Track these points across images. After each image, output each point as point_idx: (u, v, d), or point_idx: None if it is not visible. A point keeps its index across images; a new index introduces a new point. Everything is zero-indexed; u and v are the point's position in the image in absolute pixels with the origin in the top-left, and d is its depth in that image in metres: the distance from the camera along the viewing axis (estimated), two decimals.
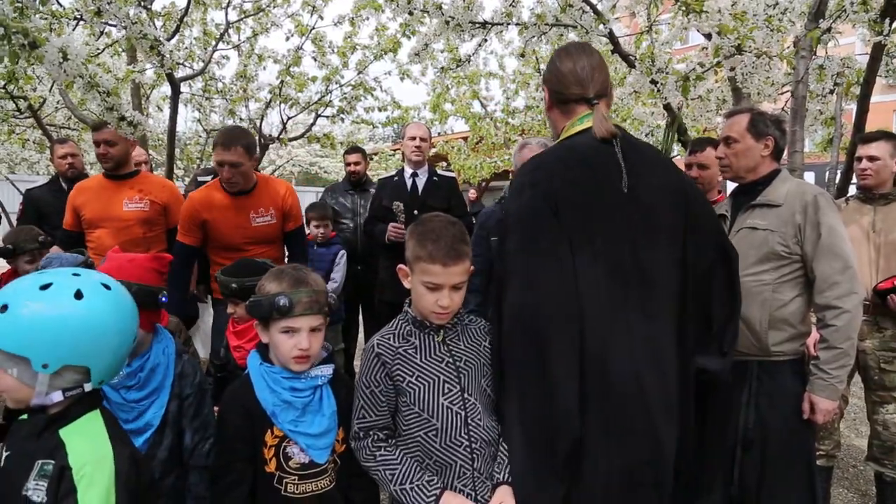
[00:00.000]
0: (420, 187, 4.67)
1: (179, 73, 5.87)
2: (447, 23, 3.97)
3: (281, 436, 1.84)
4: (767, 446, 2.50)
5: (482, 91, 10.73)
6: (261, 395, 1.85)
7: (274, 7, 6.44)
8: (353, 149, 5.72)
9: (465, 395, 1.88)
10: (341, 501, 1.93)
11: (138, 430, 1.99)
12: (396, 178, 4.75)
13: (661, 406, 1.85)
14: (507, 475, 1.86)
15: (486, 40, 4.87)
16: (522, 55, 7.10)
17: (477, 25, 4.04)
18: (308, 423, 1.86)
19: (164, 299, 2.09)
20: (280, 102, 6.73)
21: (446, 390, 1.87)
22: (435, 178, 4.75)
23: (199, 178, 4.94)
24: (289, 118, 6.97)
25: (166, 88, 6.78)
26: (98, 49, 6.32)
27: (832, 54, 4.82)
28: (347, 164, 5.58)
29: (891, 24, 3.78)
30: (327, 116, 7.21)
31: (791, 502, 2.50)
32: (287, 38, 6.63)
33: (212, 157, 6.35)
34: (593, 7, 3.67)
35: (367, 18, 6.80)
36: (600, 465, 1.81)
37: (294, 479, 1.84)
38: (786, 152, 4.56)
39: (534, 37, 4.35)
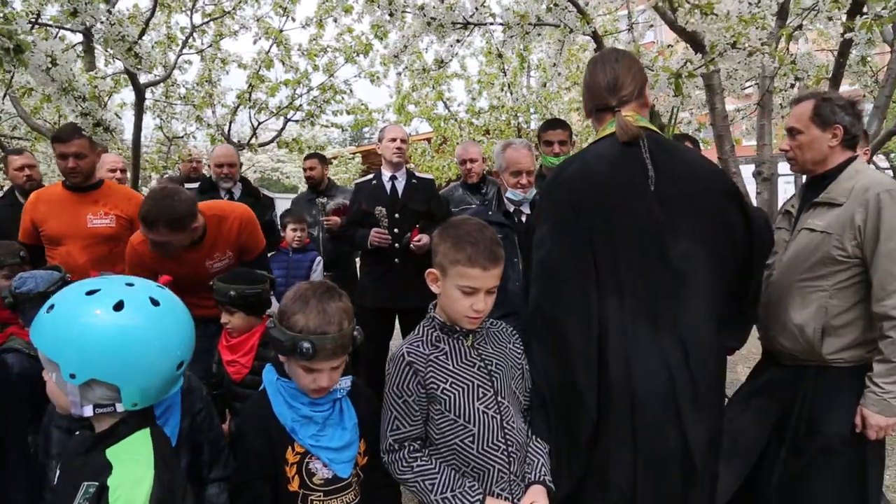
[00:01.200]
0: (400, 190, 4.61)
1: (143, 79, 5.69)
2: (429, 24, 3.92)
3: (302, 452, 1.77)
4: (816, 456, 2.33)
5: (446, 92, 10.71)
6: (279, 411, 1.78)
7: (239, 10, 6.28)
8: (310, 155, 5.70)
9: (499, 399, 1.88)
10: None
11: None
12: (374, 181, 4.67)
13: (687, 400, 1.86)
14: (539, 474, 1.89)
15: (459, 41, 4.85)
16: (500, 55, 7.10)
17: (458, 26, 4.01)
18: (329, 437, 1.80)
19: None
20: (249, 107, 6.57)
21: (481, 395, 1.85)
22: (414, 180, 4.70)
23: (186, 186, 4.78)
24: (259, 123, 6.83)
25: (124, 95, 6.56)
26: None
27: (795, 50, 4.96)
28: (304, 170, 5.56)
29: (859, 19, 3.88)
30: (296, 120, 7.09)
31: None
32: (255, 42, 6.49)
33: (177, 165, 6.13)
34: (578, 7, 3.67)
35: (335, 20, 6.71)
36: (624, 460, 1.86)
37: (319, 496, 1.77)
38: (755, 145, 4.65)
39: (513, 36, 4.34)
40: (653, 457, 1.86)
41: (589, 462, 1.91)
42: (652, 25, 7.37)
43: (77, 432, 1.48)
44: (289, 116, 7.01)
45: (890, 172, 7.46)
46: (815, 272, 2.32)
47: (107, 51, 3.96)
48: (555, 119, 4.14)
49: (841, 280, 2.29)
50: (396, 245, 4.42)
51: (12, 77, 5.14)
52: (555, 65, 5.65)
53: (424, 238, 4.39)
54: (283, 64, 6.61)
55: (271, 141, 7.43)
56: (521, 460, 1.90)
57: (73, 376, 1.30)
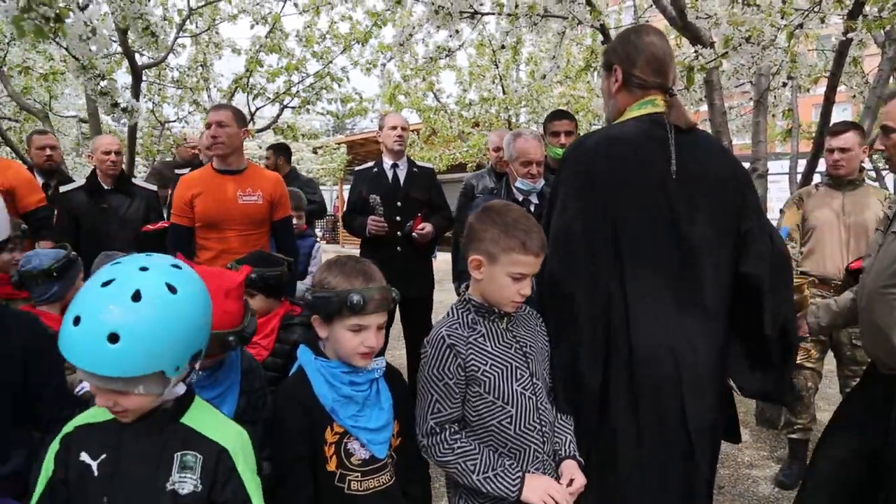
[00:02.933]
0: (402, 178, 4.62)
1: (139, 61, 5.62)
2: (436, 12, 3.93)
3: (341, 432, 1.77)
4: None
5: (436, 84, 10.70)
6: (319, 392, 1.77)
7: None
8: (270, 146, 5.86)
9: (534, 380, 1.93)
10: (400, 496, 1.89)
11: None
12: (375, 168, 4.68)
13: (691, 379, 1.94)
14: (570, 450, 1.96)
15: (458, 31, 4.87)
16: (503, 46, 7.11)
17: (465, 15, 4.02)
18: (367, 418, 1.80)
19: (233, 341, 1.85)
20: (246, 93, 6.52)
21: (518, 376, 1.90)
22: (415, 168, 4.73)
23: (177, 171, 4.75)
24: (257, 109, 6.78)
25: (119, 78, 6.48)
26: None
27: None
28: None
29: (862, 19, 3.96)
30: (293, 107, 7.05)
31: None
32: (252, 27, 6.43)
33: (171, 150, 6.07)
34: None
35: (332, 7, 6.68)
36: (630, 439, 1.94)
37: (357, 476, 1.78)
38: (748, 143, 4.72)
39: (520, 27, 4.37)
40: (657, 438, 1.95)
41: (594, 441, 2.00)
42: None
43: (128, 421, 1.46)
44: (285, 103, 6.97)
45: (872, 174, 7.63)
46: None
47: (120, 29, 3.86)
48: (561, 110, 4.17)
49: None
50: (399, 233, 4.44)
51: (5, 55, 5.04)
52: (554, 57, 5.69)
53: (428, 226, 4.41)
54: (280, 50, 6.55)
55: (267, 127, 7.38)
56: (552, 439, 1.96)
57: (177, 368, 1.33)
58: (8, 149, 6.29)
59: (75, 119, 8.49)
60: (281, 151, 5.78)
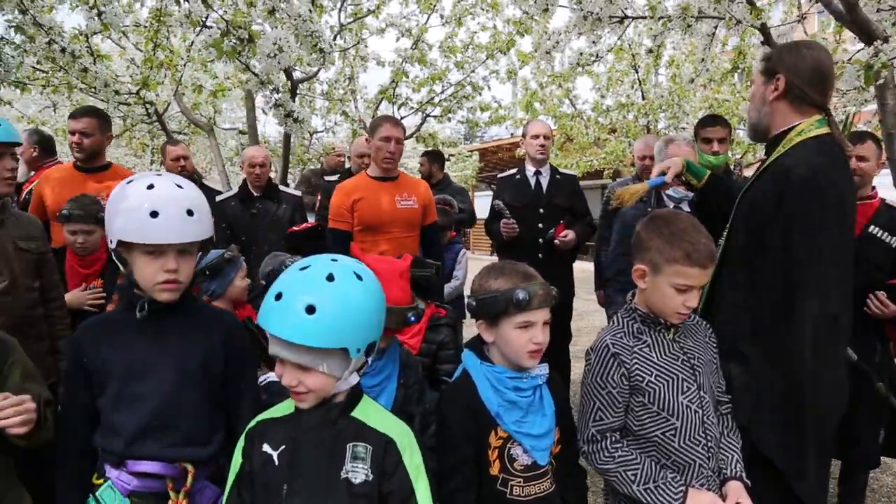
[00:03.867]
0: (544, 186, 4.61)
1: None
2: (585, 17, 3.89)
3: (505, 437, 1.79)
4: None
5: (572, 90, 10.58)
6: (484, 395, 1.80)
7: (384, 8, 6.50)
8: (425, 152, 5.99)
9: (702, 394, 1.88)
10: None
11: None
12: (518, 176, 4.70)
13: None
14: (736, 470, 1.89)
15: (600, 37, 4.79)
16: (650, 51, 6.95)
17: (615, 20, 3.95)
18: (530, 424, 1.81)
19: (413, 319, 2.09)
20: (392, 103, 6.79)
21: (685, 389, 1.85)
22: (557, 176, 4.70)
23: (327, 179, 5.01)
24: (402, 118, 7.04)
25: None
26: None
27: None
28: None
29: None
30: (435, 116, 7.25)
31: None
32: (397, 39, 6.69)
33: (320, 158, 6.35)
34: None
35: (474, 17, 6.81)
36: None
37: (519, 482, 1.79)
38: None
39: (668, 31, 4.24)
40: None
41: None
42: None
43: (295, 413, 1.57)
44: (427, 112, 7.18)
45: None
46: None
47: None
48: (714, 115, 3.99)
49: None
50: (541, 240, 4.43)
51: (181, 77, 5.55)
52: (703, 60, 5.46)
53: (571, 234, 4.37)
54: (425, 61, 6.75)
55: (410, 136, 7.62)
56: (716, 456, 1.89)
57: (359, 350, 1.44)
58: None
59: (234, 131, 9.18)
60: (435, 159, 5.91)
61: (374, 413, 1.56)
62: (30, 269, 2.63)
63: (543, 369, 1.86)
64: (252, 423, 1.63)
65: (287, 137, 5.77)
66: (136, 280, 1.72)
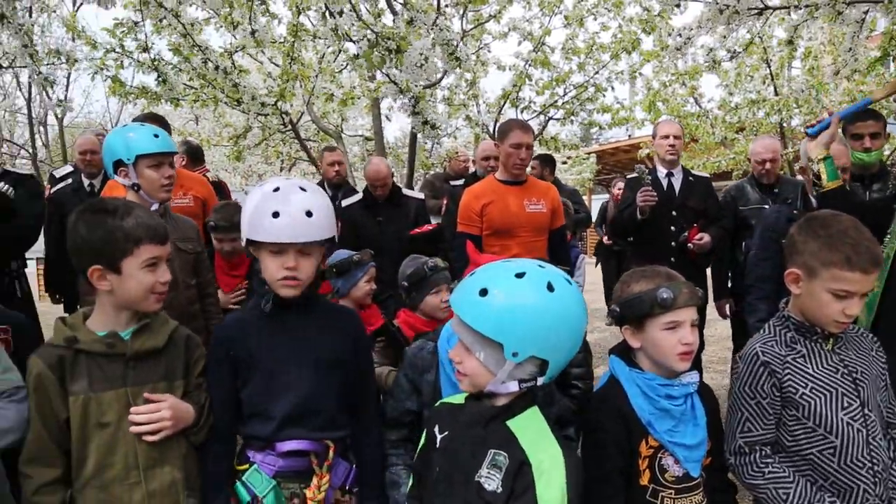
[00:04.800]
0: (677, 187, 4.45)
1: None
2: (721, 11, 3.73)
3: (656, 446, 1.74)
4: None
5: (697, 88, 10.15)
6: (636, 403, 1.75)
7: (505, 13, 6.53)
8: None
9: (866, 411, 1.73)
10: None
11: None
12: (650, 177, 4.56)
13: None
14: None
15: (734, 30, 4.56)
16: (790, 41, 6.58)
17: (754, 11, 3.76)
18: (683, 434, 1.74)
19: None
20: (515, 106, 6.81)
21: (846, 404, 1.73)
22: (690, 178, 4.54)
23: (452, 183, 5.09)
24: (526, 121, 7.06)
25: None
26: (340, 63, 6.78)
27: None
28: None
29: None
30: (557, 119, 7.20)
31: None
32: (519, 43, 6.69)
33: (445, 163, 6.43)
34: None
35: (595, 18, 6.70)
36: None
37: (670, 493, 1.73)
38: None
39: (812, 19, 3.99)
40: None
41: None
42: None
43: (464, 404, 1.62)
44: (549, 115, 7.14)
45: None
46: None
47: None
48: (867, 109, 3.70)
49: None
50: (673, 244, 4.28)
51: (314, 87, 5.82)
52: (850, 49, 5.09)
53: (706, 237, 4.20)
54: (548, 64, 6.71)
55: (535, 139, 7.60)
56: (885, 482, 1.73)
57: (515, 354, 1.41)
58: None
59: (358, 138, 9.53)
60: (547, 162, 5.92)
61: (531, 430, 1.51)
62: (188, 267, 2.85)
63: (694, 377, 1.79)
64: (437, 404, 1.75)
65: (413, 143, 5.91)
66: (264, 276, 1.86)
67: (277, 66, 6.53)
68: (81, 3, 10.73)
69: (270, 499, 1.82)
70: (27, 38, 3.67)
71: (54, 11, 5.86)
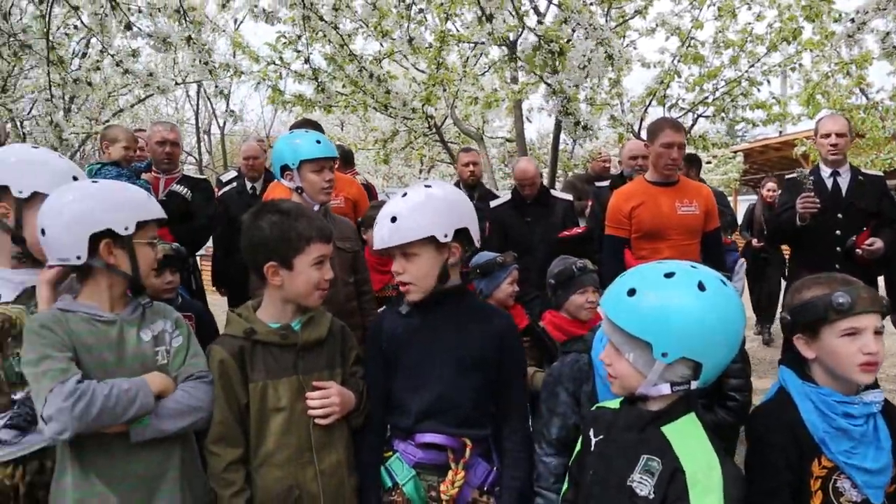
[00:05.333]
0: (843, 188, 4.13)
1: None
2: None
3: (830, 467, 1.62)
4: None
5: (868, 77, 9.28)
6: (808, 419, 1.65)
7: (651, 8, 6.34)
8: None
9: None
10: None
11: None
12: (812, 176, 4.26)
13: None
14: None
15: None
16: None
17: None
18: (863, 456, 1.61)
19: None
20: (662, 105, 6.60)
21: None
22: (860, 177, 4.19)
23: (598, 185, 5.01)
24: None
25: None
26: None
27: None
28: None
29: None
30: (707, 116, 6.89)
31: None
32: (667, 38, 6.47)
33: (588, 164, 6.29)
34: None
35: (749, 7, 6.35)
36: None
37: None
38: None
39: None
40: None
41: None
42: None
43: (619, 409, 1.60)
44: (699, 112, 6.84)
45: None
46: None
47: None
48: None
49: None
50: (838, 249, 3.97)
51: (457, 91, 5.95)
52: None
53: (878, 242, 3.86)
54: (698, 59, 6.44)
55: None
56: None
57: (664, 355, 1.39)
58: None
59: (498, 139, 9.61)
60: (693, 163, 5.68)
61: (687, 436, 1.47)
62: (346, 265, 3.00)
63: (878, 395, 1.65)
64: (592, 408, 1.77)
65: (555, 144, 5.88)
66: None
67: (421, 71, 6.72)
68: (242, 22, 11.60)
69: (410, 487, 1.92)
70: (207, 56, 4.03)
71: (224, 31, 6.38)
